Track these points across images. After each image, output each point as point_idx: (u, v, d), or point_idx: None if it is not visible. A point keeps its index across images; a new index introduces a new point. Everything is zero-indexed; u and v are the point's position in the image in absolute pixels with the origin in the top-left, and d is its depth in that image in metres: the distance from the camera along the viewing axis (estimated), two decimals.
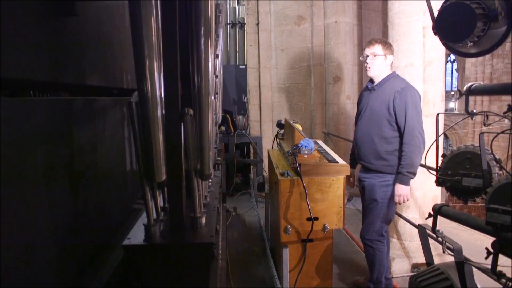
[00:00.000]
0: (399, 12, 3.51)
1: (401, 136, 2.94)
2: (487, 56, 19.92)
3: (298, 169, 2.92)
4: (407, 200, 3.03)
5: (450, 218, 1.97)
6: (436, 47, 3.47)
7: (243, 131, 6.96)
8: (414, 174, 2.94)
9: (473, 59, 22.34)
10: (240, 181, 7.34)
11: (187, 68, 1.55)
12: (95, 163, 1.70)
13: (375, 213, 3.09)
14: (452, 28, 1.69)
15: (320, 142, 4.06)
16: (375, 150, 3.04)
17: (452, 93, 23.99)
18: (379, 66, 3.00)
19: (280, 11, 6.66)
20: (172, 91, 1.45)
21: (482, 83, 1.97)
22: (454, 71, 27.34)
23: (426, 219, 2.07)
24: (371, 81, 3.13)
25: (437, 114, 2.11)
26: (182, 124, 1.48)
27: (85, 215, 1.54)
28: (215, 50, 4.19)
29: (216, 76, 4.13)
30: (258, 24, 6.83)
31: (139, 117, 1.33)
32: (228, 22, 8.32)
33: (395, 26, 3.54)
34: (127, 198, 2.16)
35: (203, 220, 1.58)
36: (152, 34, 1.23)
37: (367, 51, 3.03)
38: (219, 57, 4.20)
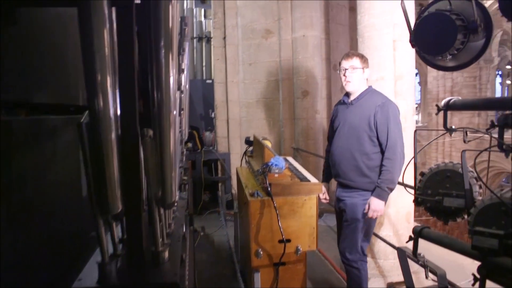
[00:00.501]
0: (369, 26, 3.45)
1: (382, 152, 2.84)
2: None
3: (269, 189, 2.78)
4: (380, 215, 2.94)
5: (432, 241, 1.86)
6: (407, 60, 3.43)
7: (211, 148, 6.79)
8: (392, 190, 2.84)
9: (435, 73, 23.02)
10: (208, 199, 7.13)
11: (146, 84, 1.39)
12: (43, 192, 1.50)
13: (358, 232, 2.94)
14: (432, 40, 1.60)
15: (290, 159, 3.93)
16: (357, 167, 2.90)
17: (416, 105, 24.48)
18: (358, 79, 2.89)
19: (248, 25, 6.57)
20: (128, 109, 1.29)
21: (460, 97, 1.89)
22: (417, 84, 28.11)
23: (407, 242, 1.96)
24: (347, 95, 3.02)
25: (415, 131, 2.01)
26: (141, 147, 1.31)
27: (30, 253, 1.34)
28: (179, 64, 4.02)
29: (182, 92, 3.96)
30: (225, 38, 6.71)
31: (91, 140, 1.15)
32: (194, 36, 8.19)
33: (365, 40, 3.48)
34: (83, 229, 1.95)
35: (166, 254, 1.40)
36: (104, 45, 1.06)
37: (345, 64, 2.90)
38: (185, 72, 4.03)
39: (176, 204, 1.78)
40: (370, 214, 2.85)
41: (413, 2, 3.48)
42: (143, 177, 1.34)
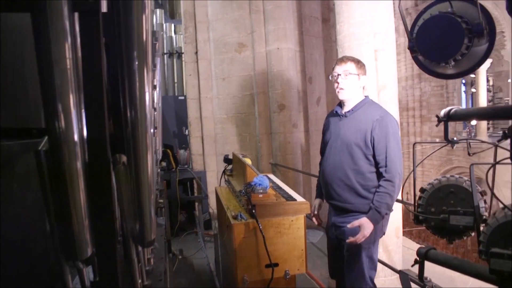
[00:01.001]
0: (349, 35, 3.34)
1: (378, 171, 2.56)
2: (416, 79, 20.94)
3: (254, 211, 2.58)
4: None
5: (440, 263, 1.69)
6: (389, 70, 3.33)
7: (186, 166, 6.56)
8: (387, 215, 2.58)
9: (403, 83, 23.41)
10: (184, 219, 6.87)
11: (117, 101, 1.19)
12: None
13: (363, 262, 2.61)
14: (436, 46, 1.46)
15: (272, 177, 3.74)
16: (352, 187, 2.60)
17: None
18: (352, 87, 2.59)
19: (220, 39, 6.41)
20: (97, 131, 1.08)
21: (460, 107, 1.76)
22: None
23: (412, 266, 1.79)
24: (340, 105, 2.73)
25: (414, 144, 1.86)
26: (113, 176, 1.10)
27: None
28: (152, 80, 3.82)
29: (155, 109, 3.75)
30: (197, 52, 6.53)
31: (51, 169, 0.95)
32: (165, 51, 7.98)
33: (345, 50, 3.36)
34: (47, 276, 1.70)
35: None
36: (65, 56, 0.86)
37: (338, 69, 2.62)
38: (157, 88, 3.84)
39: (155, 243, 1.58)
40: (358, 239, 2.48)
41: (392, 8, 3.39)
42: (116, 212, 1.13)
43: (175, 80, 8.32)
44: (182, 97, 7.23)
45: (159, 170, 4.00)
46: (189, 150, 6.78)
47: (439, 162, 17.49)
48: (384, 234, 2.69)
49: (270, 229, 2.66)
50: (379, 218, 2.50)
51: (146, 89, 1.14)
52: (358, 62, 2.61)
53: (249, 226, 2.63)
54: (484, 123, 17.78)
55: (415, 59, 1.68)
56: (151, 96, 1.68)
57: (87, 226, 0.97)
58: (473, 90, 25.16)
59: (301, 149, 6.29)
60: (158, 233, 2.21)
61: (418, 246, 3.78)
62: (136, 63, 1.10)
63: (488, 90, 21.74)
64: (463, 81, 25.55)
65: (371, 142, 2.52)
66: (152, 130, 1.23)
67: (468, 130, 19.93)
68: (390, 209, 2.51)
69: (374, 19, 3.26)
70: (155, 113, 3.69)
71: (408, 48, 1.59)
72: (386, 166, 2.48)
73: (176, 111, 7.27)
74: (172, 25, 8.67)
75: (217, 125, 6.67)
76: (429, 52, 1.47)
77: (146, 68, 1.14)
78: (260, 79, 6.26)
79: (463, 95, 25.77)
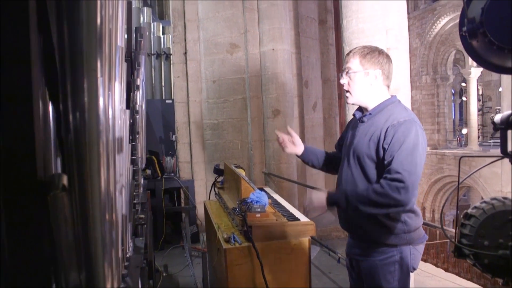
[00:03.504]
0: (358, 31, 2.96)
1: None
2: None
3: (250, 234, 2.17)
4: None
5: None
6: (403, 71, 2.95)
7: (172, 174, 6.15)
8: (346, 208, 1.95)
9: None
10: (170, 231, 6.44)
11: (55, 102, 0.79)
12: None
13: None
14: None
15: (269, 191, 3.33)
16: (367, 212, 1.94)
17: None
18: (359, 88, 2.03)
19: (211, 39, 6.01)
20: (21, 141, 0.68)
21: None
22: None
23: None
24: (360, 109, 2.16)
25: (460, 158, 1.47)
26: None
27: None
28: (134, 80, 3.38)
29: (137, 112, 3.32)
30: (186, 53, 6.13)
31: None
32: (152, 52, 7.57)
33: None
34: None
35: None
36: None
37: (344, 66, 2.10)
38: (141, 89, 3.41)
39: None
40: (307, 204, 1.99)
41: (405, 2, 3.02)
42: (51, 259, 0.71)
43: (163, 83, 7.91)
44: (170, 101, 6.88)
45: (142, 181, 3.56)
46: (176, 157, 6.41)
47: (429, 171, 17.28)
48: (414, 269, 2.16)
49: (269, 254, 2.27)
50: (337, 204, 1.97)
51: (100, 83, 0.74)
52: (365, 55, 2.02)
53: (244, 251, 2.22)
54: (475, 132, 17.68)
55: (468, 47, 1.30)
56: (122, 95, 1.27)
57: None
58: (464, 98, 25.19)
59: (296, 158, 5.90)
60: (133, 263, 1.78)
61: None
62: (84, 49, 0.71)
63: (478, 99, 21.73)
64: (453, 90, 25.57)
65: (383, 153, 1.93)
66: (116, 139, 0.82)
67: (458, 139, 19.84)
68: (365, 206, 1.87)
69: (387, 13, 2.89)
70: (137, 116, 3.27)
71: (465, 32, 1.20)
72: (390, 166, 1.86)
73: (163, 116, 6.92)
74: (160, 25, 8.27)
75: (207, 130, 6.28)
76: (502, 36, 1.08)
77: (100, 57, 0.75)
78: (253, 82, 5.88)
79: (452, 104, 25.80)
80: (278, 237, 2.28)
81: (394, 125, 1.88)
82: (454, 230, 1.53)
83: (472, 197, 19.18)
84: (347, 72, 2.05)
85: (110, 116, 0.79)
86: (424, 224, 2.21)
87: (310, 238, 2.34)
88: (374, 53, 2.02)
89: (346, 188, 1.97)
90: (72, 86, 0.70)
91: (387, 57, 2.05)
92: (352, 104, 2.13)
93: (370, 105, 2.06)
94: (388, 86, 2.07)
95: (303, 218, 2.42)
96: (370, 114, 2.04)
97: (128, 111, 1.65)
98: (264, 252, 2.22)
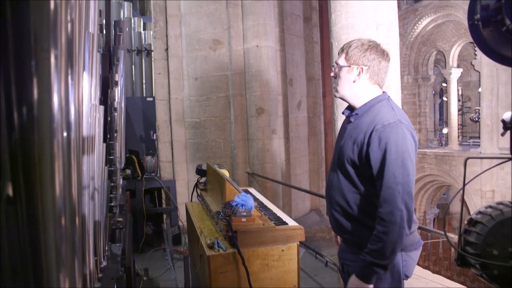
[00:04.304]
0: (347, 26, 2.83)
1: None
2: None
3: (235, 240, 2.03)
4: None
5: None
6: (394, 68, 2.84)
7: (153, 174, 5.97)
8: (385, 268, 1.75)
9: None
10: (151, 232, 6.26)
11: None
12: None
13: None
14: None
15: (254, 192, 3.19)
16: (353, 216, 1.90)
17: None
18: (343, 83, 1.92)
19: (193, 35, 5.84)
20: None
21: None
22: None
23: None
24: (349, 107, 2.06)
25: (466, 159, 1.35)
26: None
27: None
28: (112, 76, 3.20)
29: (115, 109, 3.17)
30: (167, 49, 5.94)
31: None
32: (133, 48, 7.35)
33: (342, 44, 2.84)
34: None
35: None
36: None
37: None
38: (120, 85, 3.25)
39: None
40: None
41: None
42: None
43: (144, 80, 7.70)
44: (151, 99, 6.70)
45: (120, 182, 3.39)
46: (157, 156, 6.23)
47: None
48: (407, 277, 2.03)
49: (256, 261, 2.14)
50: (369, 272, 1.77)
51: (55, 70, 0.59)
52: (352, 50, 1.89)
53: (229, 258, 2.09)
54: (455, 132, 17.85)
55: (478, 38, 1.18)
56: (91, 90, 1.14)
57: None
58: (444, 99, 25.48)
59: (280, 157, 5.77)
60: (108, 274, 1.63)
61: None
62: (32, 22, 0.55)
63: (458, 100, 22.00)
64: (433, 91, 25.84)
65: (366, 159, 1.81)
66: (75, 137, 0.67)
67: (439, 138, 20.01)
68: (382, 257, 1.75)
69: (377, 8, 2.78)
70: (115, 114, 3.10)
71: (477, 20, 1.08)
72: (380, 196, 1.76)
73: (143, 114, 6.74)
74: (141, 20, 8.05)
75: (189, 129, 6.11)
76: None
77: (55, 36, 0.59)
78: (237, 79, 5.73)
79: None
80: (265, 243, 2.14)
81: (377, 129, 1.76)
82: (442, 232, 1.42)
83: (451, 196, 19.40)
84: (334, 66, 1.94)
85: (73, 112, 0.64)
86: (418, 228, 2.10)
87: (298, 243, 2.22)
88: (361, 47, 1.88)
89: (364, 256, 1.77)
90: (17, 71, 0.55)
91: (380, 53, 1.90)
92: (339, 98, 2.01)
93: (356, 103, 1.94)
94: (380, 85, 1.93)
95: (291, 222, 2.29)
96: (356, 114, 1.92)
97: (102, 108, 1.49)
98: (250, 259, 2.10)
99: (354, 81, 1.89)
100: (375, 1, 2.80)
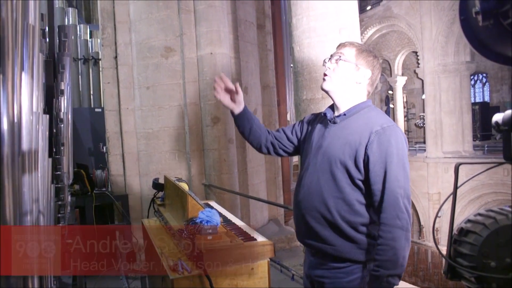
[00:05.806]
0: (309, 30, 2.76)
1: (371, 204, 1.76)
2: None
3: (201, 260, 1.86)
4: None
5: None
6: None
7: (104, 189, 5.65)
8: (400, 277, 1.70)
9: None
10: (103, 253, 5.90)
11: None
12: None
13: None
14: None
15: (217, 206, 3.01)
16: (333, 223, 1.77)
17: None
18: (342, 77, 1.82)
19: (144, 42, 5.60)
20: None
21: None
22: None
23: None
24: (332, 108, 1.92)
25: (457, 165, 1.26)
26: None
27: None
28: (57, 84, 2.96)
29: (61, 120, 2.96)
30: (116, 57, 5.67)
31: None
32: (79, 57, 6.99)
33: (304, 48, 2.77)
34: None
35: None
36: None
37: (334, 52, 1.87)
38: (65, 94, 3.01)
39: None
40: None
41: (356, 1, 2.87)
42: None
43: (91, 90, 7.34)
44: (99, 109, 6.40)
45: (69, 199, 3.13)
46: (108, 170, 5.92)
47: None
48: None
49: (224, 281, 1.98)
50: (385, 285, 1.66)
51: None
52: (362, 51, 1.84)
53: (195, 280, 1.92)
54: None
55: (470, 34, 1.10)
56: (31, 93, 0.95)
57: None
58: (391, 106, 26.39)
59: (237, 167, 5.63)
60: None
61: None
62: None
63: (403, 106, 22.84)
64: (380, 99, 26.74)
65: (363, 162, 1.73)
66: (6, 152, 0.49)
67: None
68: (395, 267, 1.65)
69: (339, 12, 2.73)
70: (61, 125, 2.88)
71: (476, 13, 0.99)
72: (382, 201, 1.69)
73: (92, 125, 6.44)
74: (88, 27, 7.70)
75: (141, 140, 5.85)
76: None
77: None
78: (191, 88, 5.55)
79: None
80: (234, 261, 1.98)
81: (377, 131, 1.71)
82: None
83: None
84: (338, 58, 1.82)
85: (5, 121, 0.46)
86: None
87: (269, 260, 2.07)
88: (371, 53, 1.86)
89: (376, 271, 1.67)
90: None
91: (380, 65, 1.92)
92: (327, 90, 1.87)
93: (344, 104, 1.85)
94: (369, 93, 1.89)
95: (259, 238, 2.14)
96: (344, 115, 1.82)
97: (46, 117, 1.29)
98: (218, 280, 1.93)
99: (356, 82, 1.83)
100: (338, 5, 2.74)
